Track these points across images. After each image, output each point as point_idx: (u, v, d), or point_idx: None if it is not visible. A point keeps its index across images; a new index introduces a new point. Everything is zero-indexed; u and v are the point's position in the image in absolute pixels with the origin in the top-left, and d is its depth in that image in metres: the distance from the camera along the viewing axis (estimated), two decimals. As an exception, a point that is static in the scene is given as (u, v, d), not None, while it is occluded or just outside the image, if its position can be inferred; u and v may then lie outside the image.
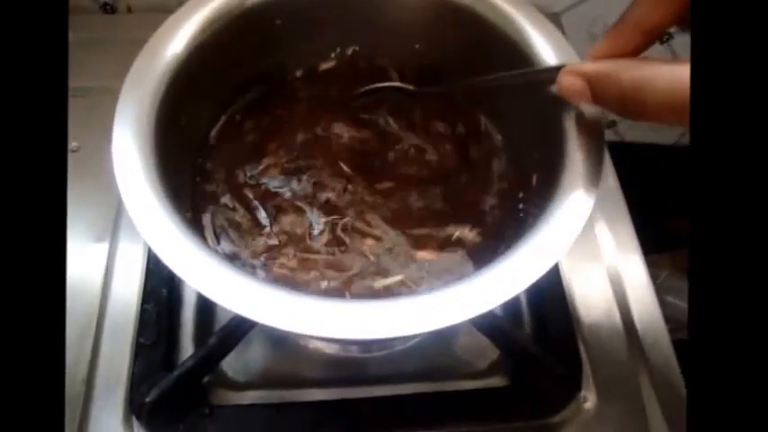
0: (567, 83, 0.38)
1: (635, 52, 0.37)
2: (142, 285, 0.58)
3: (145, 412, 0.50)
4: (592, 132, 0.43)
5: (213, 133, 0.55)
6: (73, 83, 0.71)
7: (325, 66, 0.60)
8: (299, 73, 0.60)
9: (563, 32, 0.75)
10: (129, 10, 0.81)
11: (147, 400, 0.50)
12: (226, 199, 0.52)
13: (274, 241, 0.50)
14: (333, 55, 0.59)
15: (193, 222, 0.49)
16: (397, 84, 0.57)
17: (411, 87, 0.56)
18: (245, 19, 0.51)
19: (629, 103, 0.34)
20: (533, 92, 0.47)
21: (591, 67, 0.37)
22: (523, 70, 0.47)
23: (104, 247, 0.61)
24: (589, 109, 0.44)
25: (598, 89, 0.36)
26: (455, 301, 0.37)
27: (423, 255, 0.50)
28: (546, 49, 0.48)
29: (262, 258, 0.49)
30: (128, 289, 0.58)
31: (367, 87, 0.57)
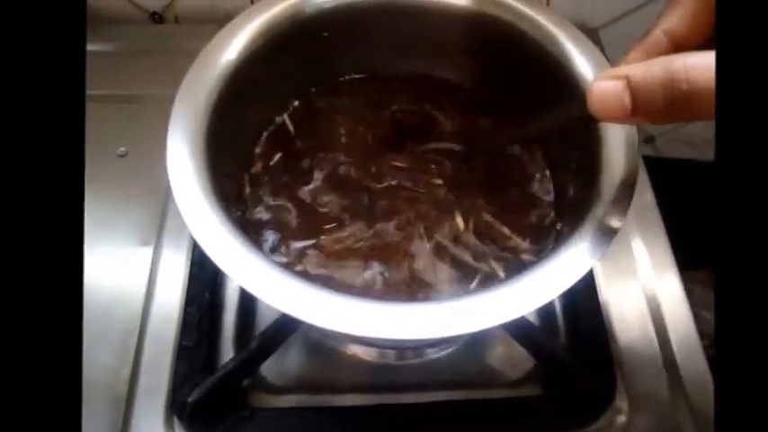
0: (601, 89, 0.33)
1: None
2: (185, 289, 0.59)
3: (186, 413, 0.51)
4: (627, 146, 0.45)
5: (262, 140, 0.57)
6: (121, 90, 0.74)
7: (370, 77, 0.61)
8: (345, 83, 0.61)
9: (602, 48, 0.76)
10: (177, 20, 0.83)
11: (189, 400, 0.51)
12: (273, 201, 0.53)
13: (322, 242, 0.51)
14: (378, 67, 0.61)
15: (242, 223, 0.51)
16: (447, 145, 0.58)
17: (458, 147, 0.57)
18: (295, 31, 0.53)
19: (682, 100, 0.29)
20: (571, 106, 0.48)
21: (630, 66, 0.32)
22: (560, 108, 0.48)
23: (149, 250, 0.62)
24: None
25: (642, 89, 0.31)
26: (489, 306, 0.38)
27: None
28: (585, 66, 0.49)
29: (309, 258, 0.50)
30: (171, 292, 0.60)
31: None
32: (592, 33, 0.81)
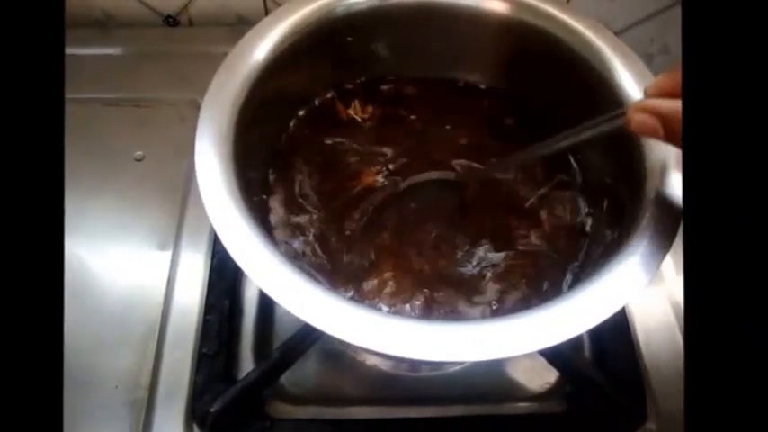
0: (640, 119, 0.37)
1: None
2: (204, 295, 0.59)
3: (209, 422, 0.50)
4: (672, 175, 0.44)
5: (285, 146, 0.56)
6: (137, 94, 0.73)
7: (395, 84, 0.61)
8: (368, 90, 0.60)
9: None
10: (191, 23, 0.82)
11: (212, 410, 0.50)
12: (295, 207, 0.53)
13: (342, 248, 0.51)
14: (403, 73, 0.60)
15: (265, 226, 0.51)
16: (438, 176, 0.55)
17: (452, 177, 0.55)
18: (318, 36, 0.53)
19: None
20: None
21: (665, 105, 0.36)
22: (592, 121, 0.46)
23: (167, 255, 0.61)
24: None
25: (674, 127, 0.36)
26: (525, 330, 0.37)
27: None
28: (625, 73, 0.49)
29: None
30: (189, 298, 0.59)
31: (407, 183, 0.55)
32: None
